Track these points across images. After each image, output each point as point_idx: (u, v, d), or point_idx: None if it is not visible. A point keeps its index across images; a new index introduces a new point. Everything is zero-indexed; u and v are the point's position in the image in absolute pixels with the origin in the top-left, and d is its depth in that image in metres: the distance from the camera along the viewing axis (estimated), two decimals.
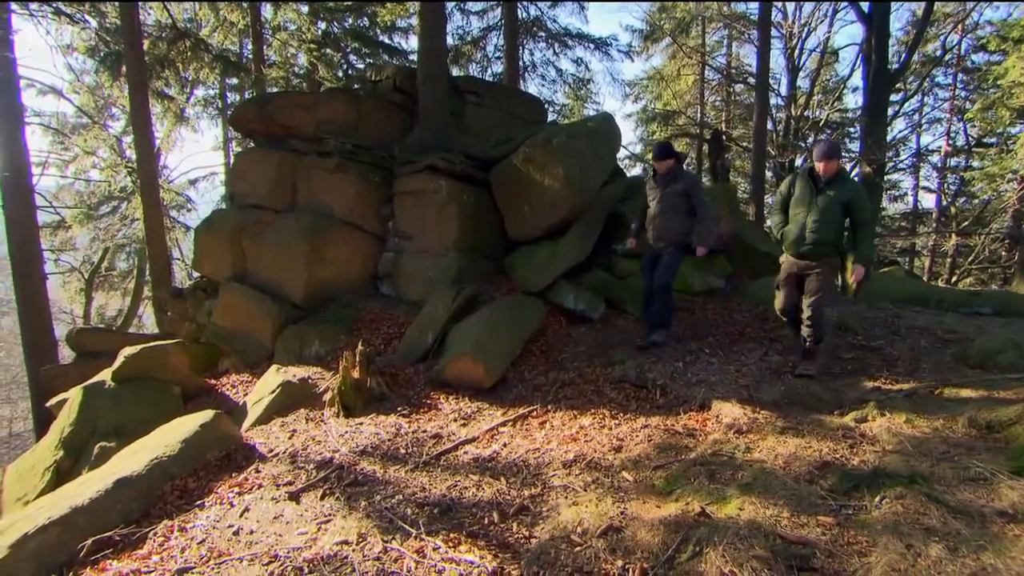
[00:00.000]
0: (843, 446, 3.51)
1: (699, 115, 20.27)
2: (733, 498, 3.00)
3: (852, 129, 18.55)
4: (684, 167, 5.60)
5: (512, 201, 7.01)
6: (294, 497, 3.85)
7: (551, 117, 15.08)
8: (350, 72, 15.48)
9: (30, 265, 11.35)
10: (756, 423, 4.05)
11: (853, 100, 34.95)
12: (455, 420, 4.91)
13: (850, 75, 18.50)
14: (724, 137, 14.99)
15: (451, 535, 3.21)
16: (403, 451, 4.42)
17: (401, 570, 2.95)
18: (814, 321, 4.67)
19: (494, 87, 10.20)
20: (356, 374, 5.16)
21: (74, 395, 6.56)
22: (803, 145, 16.73)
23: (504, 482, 3.78)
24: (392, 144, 7.97)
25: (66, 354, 11.77)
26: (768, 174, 17.02)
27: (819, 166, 4.55)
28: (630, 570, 2.67)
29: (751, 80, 17.68)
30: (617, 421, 4.51)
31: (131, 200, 16.86)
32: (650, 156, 19.94)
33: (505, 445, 4.35)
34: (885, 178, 14.57)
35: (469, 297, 6.21)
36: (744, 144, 18.70)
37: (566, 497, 3.46)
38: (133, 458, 4.39)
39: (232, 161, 9.30)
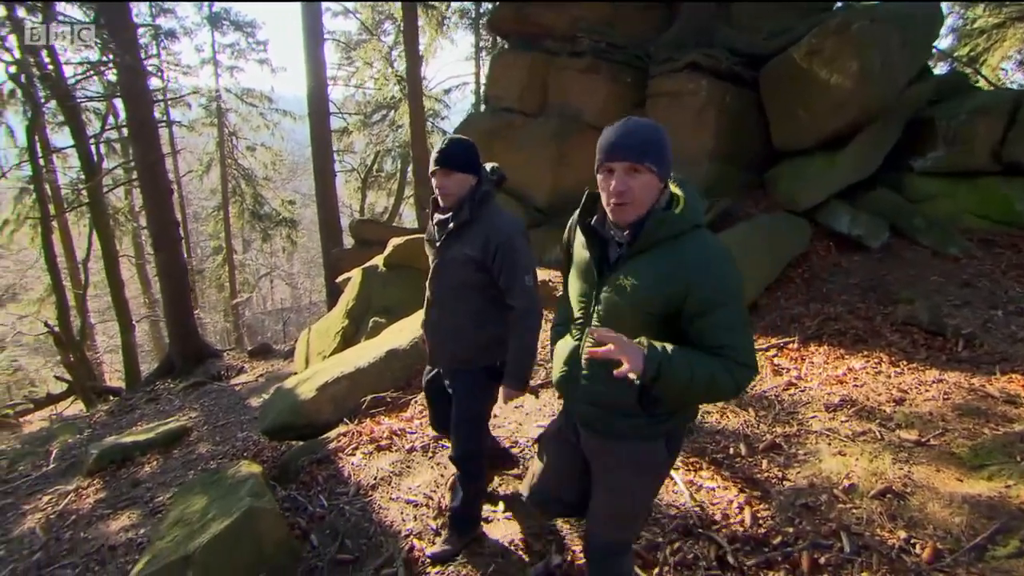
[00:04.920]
0: None
1: None
2: None
3: None
4: (492, 199, 2.26)
5: (784, 103, 6.02)
6: (534, 391, 4.02)
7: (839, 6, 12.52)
8: None
9: (325, 164, 13.49)
10: None
11: None
12: None
13: None
14: None
15: (691, 459, 3.05)
16: None
17: None
18: (598, 570, 1.86)
19: None
20: None
21: (355, 275, 7.74)
22: None
23: (752, 414, 3.45)
24: (648, 42, 7.35)
25: (348, 241, 14.01)
26: None
27: (605, 193, 1.51)
28: (918, 546, 2.22)
29: None
30: (899, 369, 3.77)
31: (397, 108, 18.84)
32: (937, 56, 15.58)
33: None
34: None
35: (722, 212, 5.64)
36: None
37: (829, 443, 3.02)
38: (399, 334, 5.00)
39: (488, 67, 9.57)
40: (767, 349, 4.28)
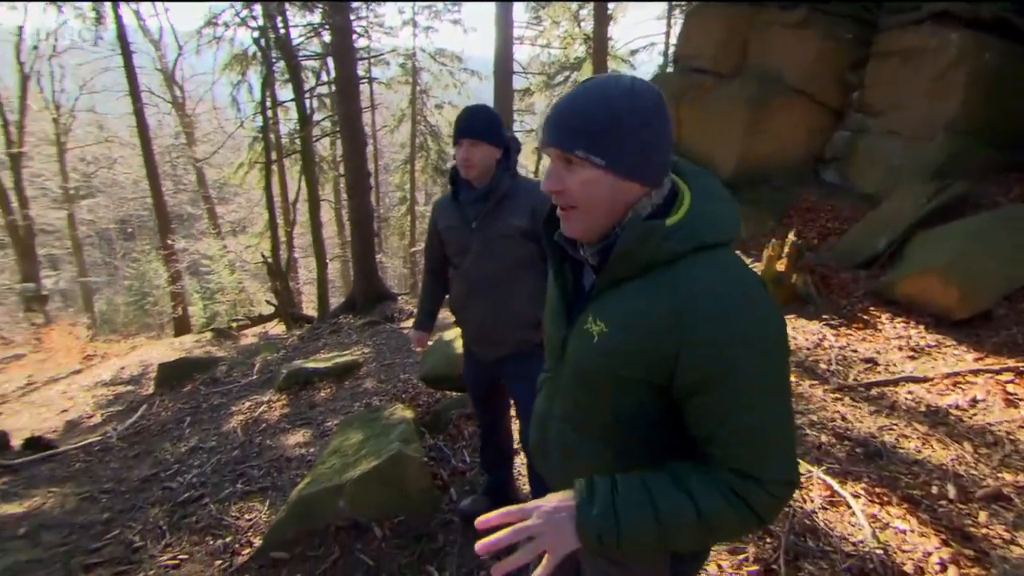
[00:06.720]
0: None
1: None
2: None
3: None
4: (516, 165, 2.14)
5: None
6: None
7: None
8: None
9: (505, 124, 13.71)
10: None
11: None
12: (899, 348, 3.91)
13: None
14: None
15: (877, 489, 2.57)
16: (823, 366, 3.76)
17: (803, 502, 2.51)
18: None
19: None
20: (780, 266, 4.53)
21: None
22: None
23: (969, 449, 2.81)
24: None
25: None
26: None
27: (553, 186, 0.94)
28: None
29: None
30: None
31: (580, 69, 18.49)
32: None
33: (976, 401, 3.23)
34: None
35: (956, 197, 4.64)
36: None
37: None
38: None
39: (682, 23, 8.88)
40: (999, 372, 3.47)
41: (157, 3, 20.75)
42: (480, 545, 0.82)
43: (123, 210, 27.37)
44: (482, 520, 0.85)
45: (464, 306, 2.20)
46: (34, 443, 4.63)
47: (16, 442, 4.80)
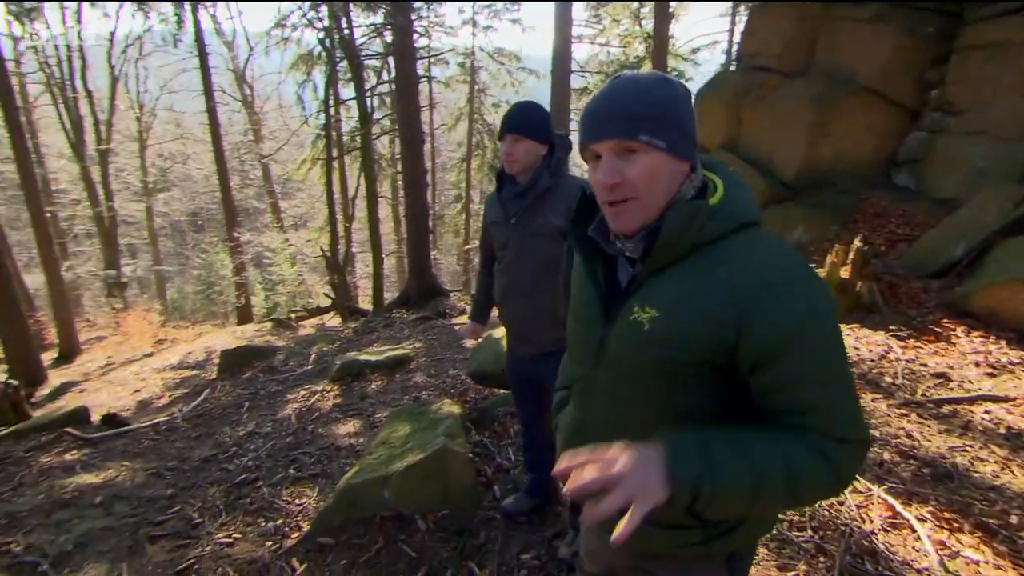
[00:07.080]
0: None
1: None
2: None
3: None
4: (566, 167, 2.12)
5: None
6: None
7: None
8: None
9: (560, 124, 13.67)
10: None
11: None
12: (976, 364, 3.66)
13: None
14: None
15: (946, 513, 2.41)
16: (888, 380, 3.57)
17: (861, 521, 2.38)
18: None
19: None
20: (844, 273, 4.32)
21: None
22: None
23: None
24: None
25: None
26: None
27: (596, 191, 0.95)
28: None
29: None
30: None
31: (640, 68, 18.20)
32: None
33: None
34: None
35: None
36: None
37: None
38: None
39: (747, 19, 8.61)
40: None
41: (232, 3, 21.74)
42: (569, 488, 0.78)
43: (194, 203, 28.90)
44: (562, 468, 0.82)
45: (504, 302, 2.24)
46: (110, 420, 4.95)
47: (95, 417, 5.15)
